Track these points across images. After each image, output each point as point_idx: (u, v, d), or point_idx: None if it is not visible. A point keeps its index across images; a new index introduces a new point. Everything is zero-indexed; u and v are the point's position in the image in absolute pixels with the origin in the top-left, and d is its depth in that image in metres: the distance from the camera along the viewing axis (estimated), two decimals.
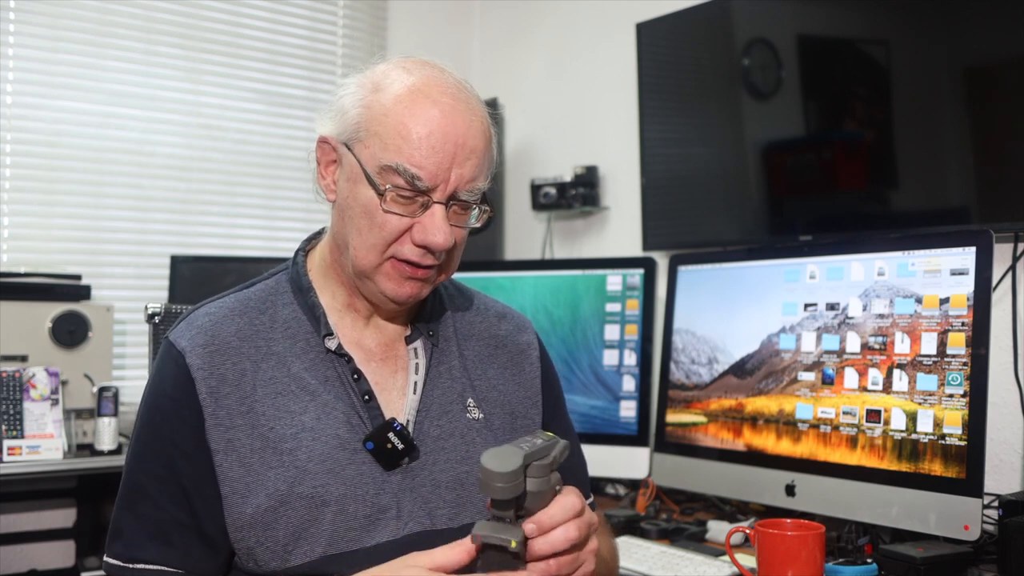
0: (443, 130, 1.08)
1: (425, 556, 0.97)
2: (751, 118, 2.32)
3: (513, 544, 0.93)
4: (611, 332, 2.26)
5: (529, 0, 3.11)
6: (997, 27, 1.82)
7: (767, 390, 1.83)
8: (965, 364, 1.52)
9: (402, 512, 1.11)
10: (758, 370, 1.86)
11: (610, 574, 1.27)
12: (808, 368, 1.76)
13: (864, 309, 1.70)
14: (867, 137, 2.10)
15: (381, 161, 1.08)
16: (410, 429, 1.15)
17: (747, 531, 1.53)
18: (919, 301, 1.61)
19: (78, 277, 2.53)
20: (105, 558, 1.11)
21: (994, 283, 1.68)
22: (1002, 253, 1.81)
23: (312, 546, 1.07)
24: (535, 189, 2.77)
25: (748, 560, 1.50)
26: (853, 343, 1.70)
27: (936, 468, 1.53)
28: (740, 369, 1.90)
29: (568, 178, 2.74)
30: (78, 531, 2.54)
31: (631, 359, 2.23)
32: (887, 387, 1.63)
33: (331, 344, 1.16)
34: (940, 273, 1.59)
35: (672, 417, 2.02)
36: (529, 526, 0.95)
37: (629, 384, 2.22)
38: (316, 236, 1.26)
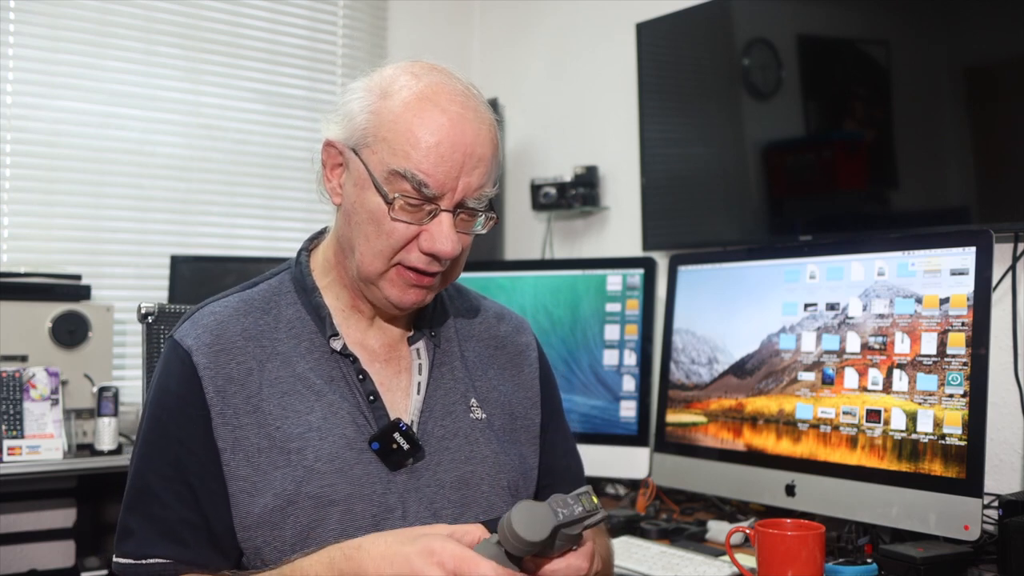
0: (452, 139, 1.07)
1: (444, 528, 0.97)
2: (751, 118, 2.32)
3: None
4: (611, 332, 2.26)
5: (529, 0, 3.11)
6: (997, 27, 1.82)
7: (767, 390, 1.83)
8: (965, 364, 1.52)
9: (407, 512, 1.11)
10: (758, 370, 1.86)
11: (607, 574, 1.27)
12: (808, 368, 1.76)
13: (864, 309, 1.70)
14: (867, 137, 2.10)
15: (389, 166, 1.08)
16: (414, 429, 1.15)
17: (747, 531, 1.53)
18: (919, 301, 1.61)
19: (78, 277, 2.53)
20: (115, 559, 1.10)
21: (994, 283, 1.68)
22: (1002, 253, 1.81)
23: (319, 546, 1.07)
24: (535, 189, 2.77)
25: (748, 560, 1.50)
26: (853, 343, 1.70)
27: (936, 468, 1.53)
28: (740, 369, 1.90)
29: (568, 178, 2.74)
30: (78, 531, 2.54)
31: (631, 359, 2.23)
32: (887, 387, 1.63)
33: (336, 344, 1.16)
34: (940, 273, 1.59)
35: (672, 417, 2.02)
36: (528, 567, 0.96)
37: (629, 384, 2.22)
38: (319, 236, 1.26)
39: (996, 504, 1.57)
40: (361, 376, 1.16)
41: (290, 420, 1.11)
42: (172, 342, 1.15)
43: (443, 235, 1.09)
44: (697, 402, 1.97)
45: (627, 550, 1.67)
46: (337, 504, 1.08)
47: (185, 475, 1.09)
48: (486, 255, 2.90)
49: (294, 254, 1.25)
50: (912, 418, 1.58)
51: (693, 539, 1.79)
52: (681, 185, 2.50)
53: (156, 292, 2.74)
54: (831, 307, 1.75)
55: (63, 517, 2.53)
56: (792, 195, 2.25)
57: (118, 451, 2.35)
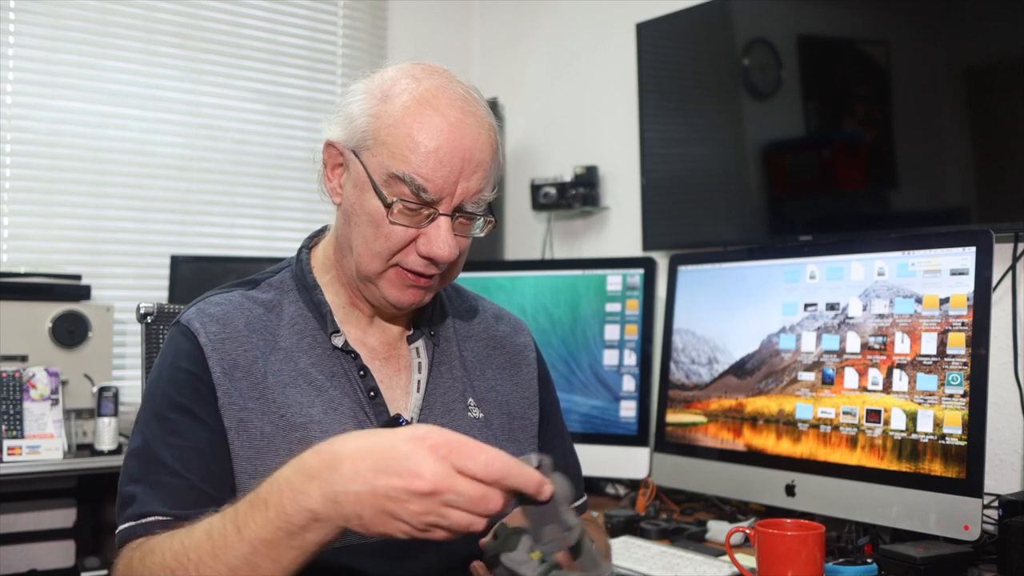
0: (451, 144, 1.08)
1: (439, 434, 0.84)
2: (751, 118, 2.32)
3: None
4: (611, 332, 2.26)
5: (529, 0, 3.11)
6: (997, 27, 1.82)
7: (767, 390, 1.83)
8: (965, 364, 1.52)
9: None
10: (758, 370, 1.86)
11: None
12: (808, 368, 1.76)
13: (864, 309, 1.70)
14: (867, 137, 2.10)
15: (388, 169, 1.08)
16: None
17: (747, 531, 1.53)
18: (919, 301, 1.61)
19: (78, 277, 2.53)
20: (118, 529, 1.06)
21: (994, 283, 1.68)
22: (1002, 253, 1.81)
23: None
24: (535, 189, 2.77)
25: (748, 560, 1.50)
26: (853, 343, 1.70)
27: (936, 468, 1.52)
28: (740, 369, 1.90)
29: (568, 178, 2.74)
30: (78, 531, 2.54)
31: (631, 359, 2.23)
32: (887, 387, 1.63)
33: (337, 341, 1.16)
34: (940, 273, 1.59)
35: (672, 417, 2.02)
36: None
37: (629, 384, 2.22)
38: (319, 233, 1.27)
39: (996, 504, 1.57)
40: (362, 372, 1.16)
41: (293, 410, 1.11)
42: (179, 326, 1.15)
43: (440, 239, 1.09)
44: (697, 402, 1.97)
45: (627, 550, 1.67)
46: None
47: (195, 443, 1.07)
48: (486, 255, 2.90)
49: (294, 254, 1.25)
50: (912, 418, 1.58)
51: (693, 539, 1.79)
52: (681, 185, 2.50)
53: (156, 292, 2.74)
54: (831, 307, 1.75)
55: (63, 517, 2.53)
56: (792, 195, 2.25)
57: (118, 451, 2.35)
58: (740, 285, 1.94)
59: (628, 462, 2.17)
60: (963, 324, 1.54)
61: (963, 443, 1.49)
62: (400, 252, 1.11)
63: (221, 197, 2.94)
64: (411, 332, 1.23)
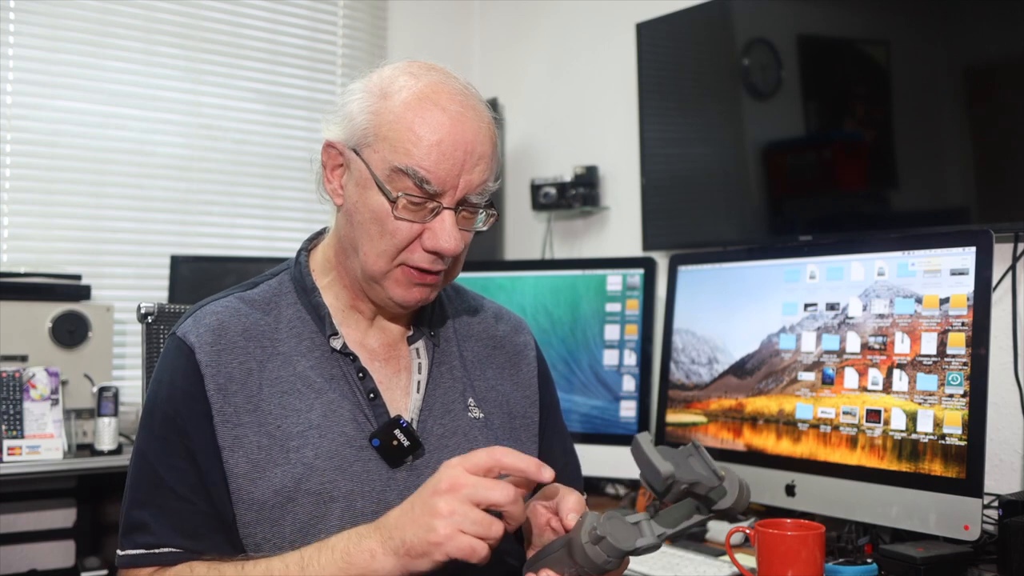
0: (453, 137, 1.08)
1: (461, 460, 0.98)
2: (751, 118, 2.32)
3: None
4: (611, 332, 2.26)
5: (529, 0, 3.11)
6: (997, 27, 1.82)
7: (767, 390, 1.83)
8: (965, 364, 1.52)
9: None
10: (758, 370, 1.86)
11: None
12: (808, 368, 1.76)
13: (864, 309, 1.70)
14: (867, 137, 2.10)
15: (391, 164, 1.08)
16: (414, 427, 1.16)
17: (747, 531, 1.53)
18: (919, 301, 1.61)
19: (78, 277, 2.53)
20: (123, 551, 1.09)
21: (994, 283, 1.68)
22: (1002, 253, 1.81)
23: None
24: (535, 189, 2.77)
25: (748, 560, 1.50)
26: (853, 343, 1.70)
27: (936, 468, 1.52)
28: (740, 369, 1.90)
29: (568, 178, 2.74)
30: (78, 531, 2.54)
31: (631, 359, 2.23)
32: (887, 387, 1.63)
33: (336, 343, 1.16)
34: (940, 273, 1.59)
35: (672, 417, 2.02)
36: None
37: (629, 384, 2.22)
38: (318, 236, 1.27)
39: (996, 504, 1.57)
40: (361, 374, 1.16)
41: (290, 419, 1.11)
42: (175, 339, 1.15)
43: (446, 232, 1.10)
44: (697, 402, 1.97)
45: None
46: (337, 501, 1.09)
47: (196, 467, 1.09)
48: (486, 255, 2.90)
49: (294, 254, 1.26)
50: (912, 418, 1.58)
51: (693, 539, 1.79)
52: (681, 185, 2.50)
53: (156, 292, 2.74)
54: (831, 307, 1.75)
55: (63, 517, 2.53)
56: (792, 195, 2.25)
57: (118, 451, 2.35)
58: (740, 285, 1.94)
59: (628, 462, 2.16)
60: (963, 324, 1.54)
61: (963, 443, 1.49)
62: (405, 250, 1.11)
63: (221, 197, 2.94)
64: (411, 333, 1.23)
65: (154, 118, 2.82)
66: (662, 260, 2.28)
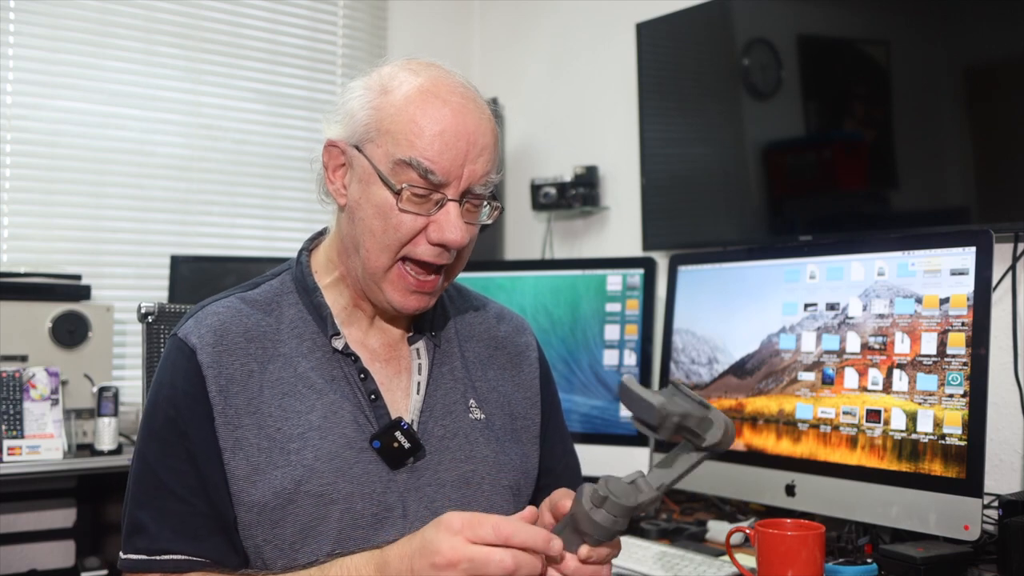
0: (455, 128, 1.09)
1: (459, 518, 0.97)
2: (751, 118, 2.32)
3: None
4: (611, 332, 2.26)
5: (529, 0, 3.11)
6: (997, 27, 1.82)
7: (767, 390, 1.83)
8: (965, 364, 1.52)
9: (408, 511, 1.11)
10: (758, 370, 1.86)
11: None
12: (808, 368, 1.76)
13: (864, 309, 1.70)
14: (867, 137, 2.10)
15: (395, 156, 1.09)
16: (415, 429, 1.15)
17: (747, 531, 1.53)
18: (919, 301, 1.61)
19: (78, 277, 2.53)
20: (125, 555, 1.09)
21: (994, 283, 1.68)
22: (1002, 253, 1.81)
23: (320, 544, 1.07)
24: (535, 189, 2.77)
25: (748, 560, 1.50)
26: (853, 343, 1.70)
27: (936, 468, 1.52)
28: (740, 369, 1.90)
29: (568, 178, 2.74)
30: (78, 531, 2.54)
31: (631, 359, 2.22)
32: (887, 387, 1.63)
33: (338, 344, 1.16)
34: (940, 273, 1.59)
35: None
36: (584, 550, 0.98)
37: None
38: (319, 236, 1.26)
39: (996, 504, 1.57)
40: (362, 375, 1.16)
41: (291, 421, 1.11)
42: (176, 340, 1.15)
43: (451, 224, 1.10)
44: None
45: (627, 550, 1.67)
46: (337, 503, 1.08)
47: (197, 469, 1.09)
48: (486, 255, 2.90)
49: (294, 254, 1.25)
50: (912, 418, 1.58)
51: (693, 539, 1.79)
52: (681, 185, 2.50)
53: (156, 292, 2.74)
54: (831, 307, 1.75)
55: (63, 517, 2.53)
56: (792, 195, 2.25)
57: (118, 451, 2.35)
58: (740, 285, 1.94)
59: (628, 462, 2.17)
60: (963, 324, 1.54)
61: (963, 443, 1.49)
62: (409, 243, 1.11)
63: (221, 197, 2.94)
64: (412, 333, 1.23)
65: (154, 118, 2.82)
66: (662, 260, 2.28)
